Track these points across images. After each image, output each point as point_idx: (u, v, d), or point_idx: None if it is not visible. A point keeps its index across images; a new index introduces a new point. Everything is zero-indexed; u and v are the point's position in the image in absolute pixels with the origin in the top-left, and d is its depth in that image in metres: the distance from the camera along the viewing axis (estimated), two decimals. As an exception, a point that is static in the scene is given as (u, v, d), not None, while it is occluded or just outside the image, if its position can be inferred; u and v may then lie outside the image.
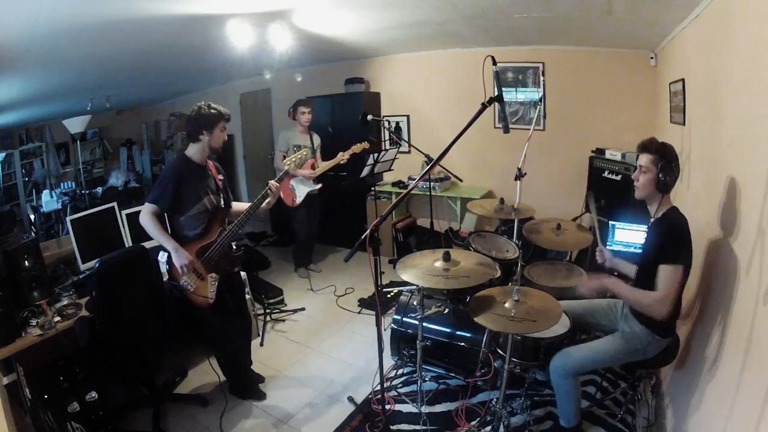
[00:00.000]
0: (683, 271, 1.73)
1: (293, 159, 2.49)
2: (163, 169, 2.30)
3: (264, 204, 2.34)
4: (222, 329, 2.46)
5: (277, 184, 2.37)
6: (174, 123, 7.66)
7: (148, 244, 2.45)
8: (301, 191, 4.17)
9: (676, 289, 1.73)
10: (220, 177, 2.43)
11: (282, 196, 4.14)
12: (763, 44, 1.44)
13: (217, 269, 2.33)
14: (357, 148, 3.93)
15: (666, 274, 1.72)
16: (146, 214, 2.21)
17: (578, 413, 2.04)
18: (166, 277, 2.72)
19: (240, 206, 2.52)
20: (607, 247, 3.24)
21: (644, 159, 1.84)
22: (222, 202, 2.40)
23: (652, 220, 1.92)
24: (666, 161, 1.77)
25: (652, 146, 1.83)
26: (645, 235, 2.04)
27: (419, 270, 1.99)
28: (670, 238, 1.75)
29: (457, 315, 2.63)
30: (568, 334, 2.20)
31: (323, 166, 4.10)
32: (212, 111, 2.25)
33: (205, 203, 2.30)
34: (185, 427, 2.46)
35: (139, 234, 2.93)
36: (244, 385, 2.68)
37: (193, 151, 2.30)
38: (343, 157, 3.97)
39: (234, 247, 2.45)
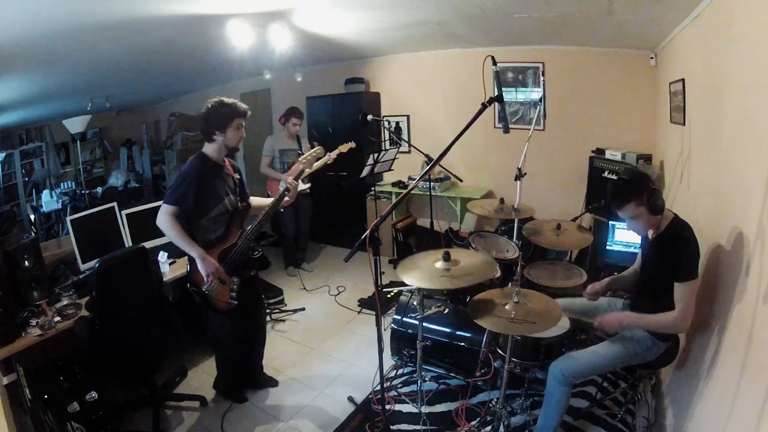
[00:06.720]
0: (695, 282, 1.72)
1: (308, 156, 2.47)
2: (183, 168, 2.16)
3: (283, 201, 2.31)
4: (230, 331, 2.43)
5: (295, 182, 2.33)
6: (174, 123, 7.64)
7: (148, 244, 2.44)
8: None
9: (693, 301, 1.71)
10: (237, 176, 2.37)
11: (270, 194, 4.16)
12: (763, 44, 1.44)
13: (238, 272, 2.28)
14: (344, 147, 3.91)
15: (683, 291, 1.70)
16: (165, 216, 2.07)
17: (557, 428, 1.98)
18: (166, 277, 2.73)
19: (259, 201, 2.48)
20: (607, 247, 3.26)
21: (626, 212, 1.78)
22: (240, 203, 2.34)
23: (652, 234, 1.88)
24: (646, 190, 1.72)
25: (623, 195, 1.76)
26: (644, 247, 2.00)
27: (421, 272, 1.97)
28: (683, 256, 1.70)
29: (457, 315, 2.63)
30: (568, 334, 2.20)
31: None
32: (224, 110, 2.14)
33: (226, 204, 2.24)
34: (185, 427, 2.46)
35: (139, 234, 2.94)
36: (231, 386, 2.65)
37: (211, 150, 2.22)
38: (330, 156, 3.96)
39: (253, 247, 2.39)
